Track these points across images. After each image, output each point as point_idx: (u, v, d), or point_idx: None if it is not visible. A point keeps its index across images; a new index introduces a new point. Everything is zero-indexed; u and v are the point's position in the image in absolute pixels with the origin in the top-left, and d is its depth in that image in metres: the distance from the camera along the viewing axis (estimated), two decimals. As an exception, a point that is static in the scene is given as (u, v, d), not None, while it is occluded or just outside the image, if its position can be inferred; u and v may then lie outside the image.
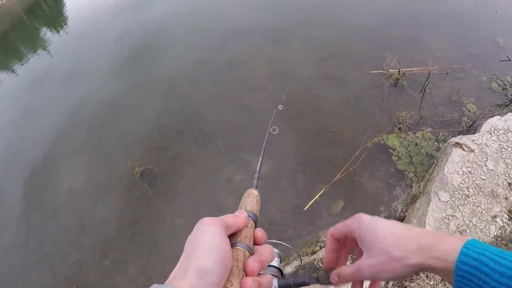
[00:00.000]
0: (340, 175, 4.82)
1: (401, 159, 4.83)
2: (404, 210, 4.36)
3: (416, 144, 4.95)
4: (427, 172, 4.61)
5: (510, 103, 5.45)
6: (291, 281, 0.81)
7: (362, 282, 0.80)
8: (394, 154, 4.90)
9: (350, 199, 4.65)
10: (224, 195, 4.94)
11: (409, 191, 4.53)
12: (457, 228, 3.57)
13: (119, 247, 4.84)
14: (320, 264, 3.66)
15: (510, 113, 4.76)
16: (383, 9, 7.83)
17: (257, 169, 1.15)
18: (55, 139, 6.59)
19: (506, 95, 5.55)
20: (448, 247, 0.62)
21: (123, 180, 5.51)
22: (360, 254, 0.80)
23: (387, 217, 4.27)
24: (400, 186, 4.63)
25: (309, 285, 0.84)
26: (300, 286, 0.82)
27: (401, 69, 5.83)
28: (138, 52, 8.21)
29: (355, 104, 5.77)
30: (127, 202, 5.28)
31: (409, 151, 4.90)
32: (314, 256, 3.88)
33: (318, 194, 4.66)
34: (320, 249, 4.04)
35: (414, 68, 5.95)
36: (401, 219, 4.23)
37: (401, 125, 5.17)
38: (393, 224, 0.71)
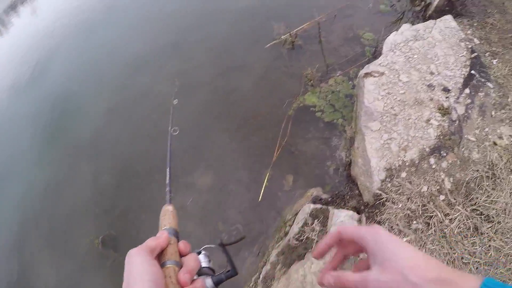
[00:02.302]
0: (277, 153, 4.66)
1: (325, 112, 4.71)
2: (347, 155, 4.28)
3: (333, 92, 4.84)
4: (352, 111, 4.51)
5: (403, 15, 5.48)
6: (223, 276, 0.88)
7: None
8: (316, 110, 4.79)
9: (296, 169, 4.55)
10: (183, 224, 4.55)
11: (345, 136, 4.46)
12: (399, 147, 3.45)
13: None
14: (295, 242, 3.49)
15: (404, 24, 4.74)
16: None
17: (167, 182, 1.17)
18: (13, 249, 6.03)
19: (396, 11, 5.60)
20: (467, 285, 0.59)
21: (90, 258, 5.12)
22: (362, 264, 0.76)
23: (337, 168, 4.31)
24: (336, 136, 4.56)
25: (237, 274, 0.92)
26: (231, 277, 0.91)
27: (291, 32, 5.74)
28: (53, 127, 7.62)
29: (264, 82, 5.62)
30: (104, 276, 4.89)
31: (329, 100, 4.79)
32: (288, 237, 3.72)
33: (265, 180, 4.51)
34: (290, 227, 3.88)
35: (303, 25, 5.85)
36: (349, 164, 4.15)
37: (311, 81, 5.07)
38: (412, 248, 0.68)
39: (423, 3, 5.43)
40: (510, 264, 2.46)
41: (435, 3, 5.13)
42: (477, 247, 2.63)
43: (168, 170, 1.20)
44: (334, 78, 4.98)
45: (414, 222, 2.95)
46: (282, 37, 5.85)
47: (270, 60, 5.86)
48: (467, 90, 3.67)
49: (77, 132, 7.05)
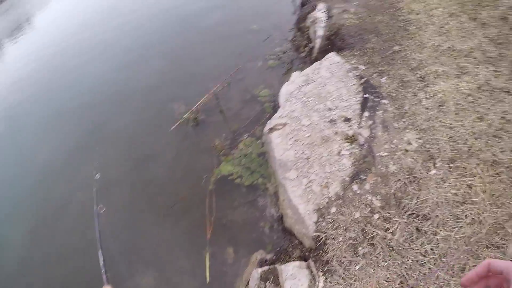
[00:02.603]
0: (210, 230, 4.44)
1: (243, 176, 4.62)
2: (277, 210, 4.20)
3: (245, 155, 4.79)
4: (269, 168, 4.47)
5: (292, 65, 5.70)
6: None
7: None
8: (235, 177, 4.69)
9: (234, 240, 4.37)
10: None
11: (269, 193, 4.39)
12: (321, 186, 3.44)
13: None
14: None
15: (293, 73, 4.90)
16: (144, 73, 7.90)
17: (101, 264, 1.34)
18: None
19: (284, 62, 5.84)
20: None
21: None
22: None
23: (271, 226, 4.24)
24: (260, 196, 4.47)
25: None
26: None
27: (192, 109, 5.71)
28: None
29: (177, 165, 5.44)
30: None
31: (244, 164, 4.72)
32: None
33: (207, 261, 4.26)
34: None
35: (202, 99, 5.84)
36: (281, 218, 4.08)
37: (222, 151, 5.02)
38: None
39: (306, 48, 5.68)
40: (463, 246, 2.56)
41: (317, 45, 5.38)
42: (426, 245, 2.70)
43: (100, 251, 1.22)
44: (243, 142, 4.97)
45: (360, 248, 2.94)
46: (184, 116, 5.78)
47: (178, 142, 5.73)
48: (366, 113, 3.78)
49: (1, 263, 6.32)
